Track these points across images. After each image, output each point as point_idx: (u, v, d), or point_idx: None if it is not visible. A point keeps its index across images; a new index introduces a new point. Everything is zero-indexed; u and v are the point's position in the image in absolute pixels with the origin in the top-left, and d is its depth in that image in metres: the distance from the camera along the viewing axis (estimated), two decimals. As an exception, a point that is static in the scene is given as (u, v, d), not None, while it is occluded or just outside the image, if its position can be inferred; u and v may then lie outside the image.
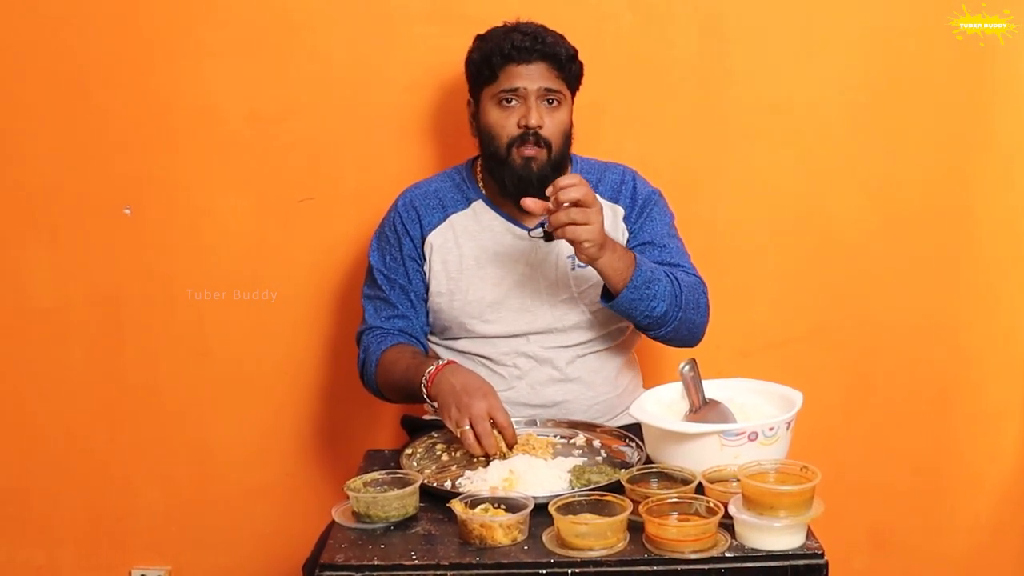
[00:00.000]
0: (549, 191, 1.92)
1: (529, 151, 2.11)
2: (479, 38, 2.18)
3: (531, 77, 2.10)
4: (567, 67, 2.13)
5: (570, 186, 1.90)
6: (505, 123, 2.11)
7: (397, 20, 2.49)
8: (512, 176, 2.13)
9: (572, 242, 1.94)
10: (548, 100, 2.12)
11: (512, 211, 2.20)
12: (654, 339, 2.16)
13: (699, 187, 2.55)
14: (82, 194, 2.57)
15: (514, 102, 2.11)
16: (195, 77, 2.52)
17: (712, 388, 1.94)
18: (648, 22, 2.50)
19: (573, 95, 2.19)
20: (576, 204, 1.91)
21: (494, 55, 2.10)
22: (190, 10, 2.50)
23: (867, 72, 2.54)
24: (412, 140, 2.54)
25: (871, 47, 2.53)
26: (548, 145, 2.11)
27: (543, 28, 2.14)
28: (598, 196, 2.18)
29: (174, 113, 2.53)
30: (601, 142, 2.45)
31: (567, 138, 2.16)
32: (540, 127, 2.10)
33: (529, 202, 1.95)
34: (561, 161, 2.16)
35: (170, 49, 2.51)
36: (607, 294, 2.05)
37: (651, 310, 2.04)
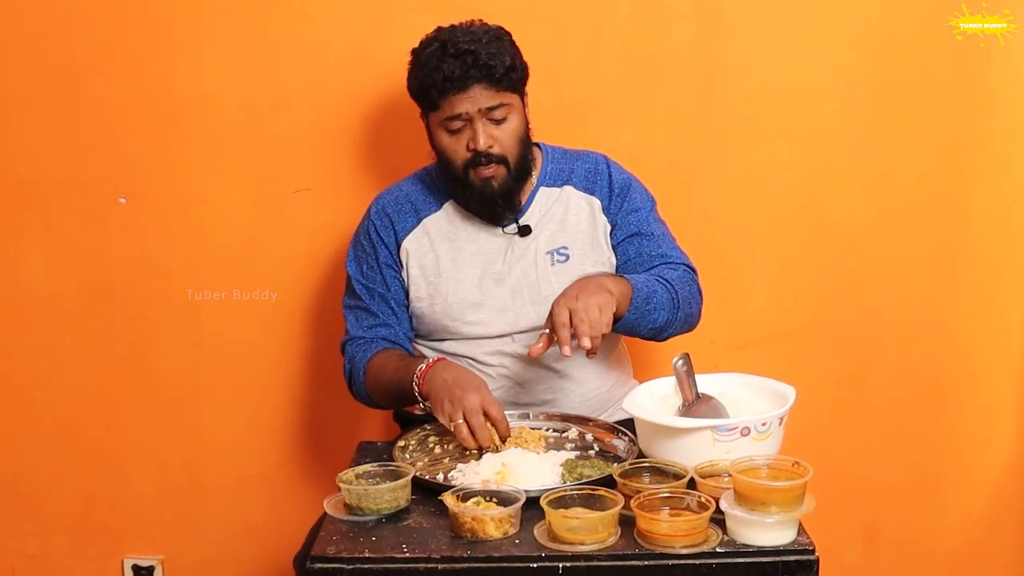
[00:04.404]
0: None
1: (486, 172, 2.08)
2: (415, 56, 2.12)
3: (472, 100, 2.04)
4: (507, 78, 2.06)
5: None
6: (456, 147, 2.08)
7: (394, 9, 2.48)
8: (474, 196, 2.11)
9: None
10: (493, 118, 2.07)
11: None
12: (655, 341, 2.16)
13: (695, 180, 2.55)
14: (77, 183, 2.56)
15: (460, 126, 2.07)
16: (191, 66, 2.51)
17: (705, 383, 1.93)
18: (644, 13, 2.48)
19: (523, 96, 2.14)
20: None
21: (431, 88, 2.05)
22: (187, -1, 2.49)
23: (865, 66, 2.53)
24: (408, 130, 2.51)
25: (869, 41, 2.52)
26: (504, 159, 2.09)
27: (476, 43, 2.04)
28: (572, 187, 2.19)
29: (170, 102, 2.52)
30: (597, 134, 2.44)
31: (524, 143, 2.12)
32: (490, 147, 2.07)
33: (535, 350, 1.90)
34: (523, 168, 2.13)
35: (166, 38, 2.50)
36: None
37: (653, 322, 2.05)
